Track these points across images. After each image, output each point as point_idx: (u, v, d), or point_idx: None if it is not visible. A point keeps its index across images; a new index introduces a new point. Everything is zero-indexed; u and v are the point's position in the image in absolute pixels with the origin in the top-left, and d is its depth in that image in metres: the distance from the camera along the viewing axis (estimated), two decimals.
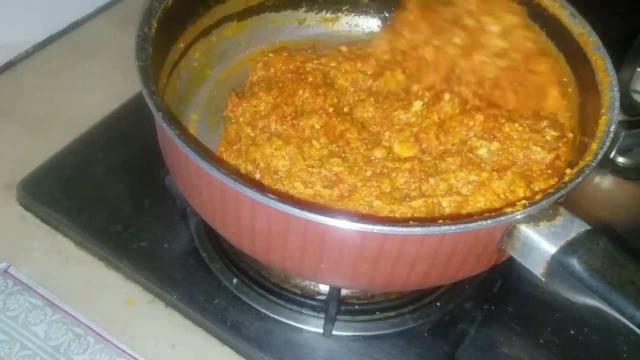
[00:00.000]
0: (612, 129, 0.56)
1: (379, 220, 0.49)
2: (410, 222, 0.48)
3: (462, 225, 0.48)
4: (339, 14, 0.88)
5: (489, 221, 0.48)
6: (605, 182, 0.88)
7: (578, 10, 0.68)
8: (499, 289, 0.71)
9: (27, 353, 0.63)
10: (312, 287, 0.69)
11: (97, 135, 0.82)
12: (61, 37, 0.97)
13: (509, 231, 0.51)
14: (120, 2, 1.05)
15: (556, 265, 0.49)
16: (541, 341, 0.68)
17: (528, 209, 0.49)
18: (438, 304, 0.69)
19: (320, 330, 0.66)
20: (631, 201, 0.86)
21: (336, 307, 0.64)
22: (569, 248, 0.49)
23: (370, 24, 0.88)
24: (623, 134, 0.86)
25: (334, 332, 0.66)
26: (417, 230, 0.47)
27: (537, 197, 0.51)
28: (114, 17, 1.02)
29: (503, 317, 0.69)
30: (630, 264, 0.48)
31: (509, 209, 0.50)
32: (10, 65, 0.92)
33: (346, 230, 0.47)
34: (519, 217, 0.50)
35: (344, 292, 0.68)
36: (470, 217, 0.49)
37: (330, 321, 0.64)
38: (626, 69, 0.91)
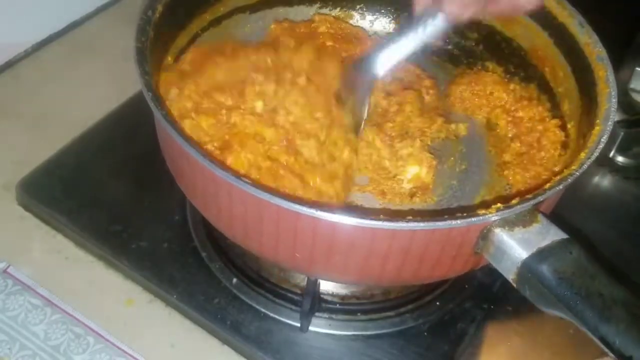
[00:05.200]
0: (603, 140, 0.55)
1: (349, 211, 0.49)
2: (381, 215, 0.48)
3: (432, 224, 0.48)
4: (352, 12, 0.87)
5: (459, 221, 0.48)
6: (604, 181, 0.88)
7: (578, 10, 0.68)
8: (499, 288, 0.71)
9: (26, 353, 0.63)
10: None
11: (97, 135, 0.82)
12: (60, 36, 0.97)
13: (484, 234, 0.50)
14: (120, 2, 1.04)
15: (526, 271, 0.48)
16: (541, 341, 0.68)
17: (501, 212, 0.49)
18: (438, 303, 0.69)
19: (321, 330, 0.66)
20: (630, 200, 0.86)
21: (310, 301, 0.64)
22: (541, 255, 0.48)
23: (383, 24, 0.88)
24: (622, 132, 0.86)
25: (334, 332, 0.66)
26: (386, 224, 0.47)
27: (513, 201, 0.50)
28: (114, 17, 1.02)
29: (503, 317, 0.69)
30: (601, 275, 0.48)
31: (482, 211, 0.49)
32: (9, 65, 0.91)
33: (317, 219, 0.47)
34: (493, 219, 0.49)
35: (343, 291, 0.69)
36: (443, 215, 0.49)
37: (305, 316, 0.64)
38: (625, 68, 0.91)
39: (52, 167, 0.78)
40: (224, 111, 0.64)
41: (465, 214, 0.49)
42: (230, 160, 0.60)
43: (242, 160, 0.60)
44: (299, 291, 0.68)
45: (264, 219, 0.52)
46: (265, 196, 0.48)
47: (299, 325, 0.66)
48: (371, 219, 0.47)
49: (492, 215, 0.49)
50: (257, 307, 0.67)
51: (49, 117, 0.85)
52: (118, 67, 0.90)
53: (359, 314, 0.68)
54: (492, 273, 0.69)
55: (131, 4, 1.03)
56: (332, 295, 0.68)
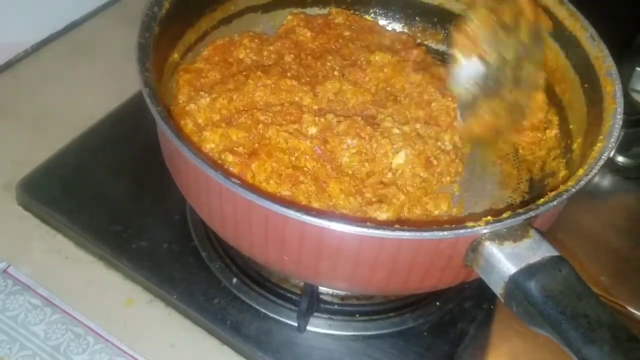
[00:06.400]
0: (603, 157, 0.54)
1: (336, 217, 0.49)
2: (368, 223, 0.47)
3: (418, 234, 0.47)
4: (366, 15, 0.87)
5: (446, 232, 0.47)
6: (604, 181, 0.88)
7: (580, 11, 0.68)
8: None
9: (26, 353, 0.63)
10: None
11: (96, 135, 0.82)
12: (60, 36, 0.97)
13: (474, 247, 0.49)
14: (120, 2, 1.05)
15: (513, 286, 0.47)
16: (541, 341, 0.68)
17: (491, 225, 0.48)
18: (438, 303, 0.69)
19: (321, 330, 0.66)
20: (631, 200, 0.86)
21: (307, 302, 0.64)
22: (529, 271, 0.47)
23: (396, 29, 0.88)
24: (622, 132, 0.86)
25: (334, 332, 0.66)
26: (372, 232, 0.47)
27: (504, 215, 0.50)
28: (114, 17, 1.02)
29: (503, 317, 0.69)
30: (588, 296, 0.46)
31: (470, 223, 0.48)
32: (9, 65, 0.91)
33: (304, 223, 0.47)
34: (482, 232, 0.48)
35: (343, 292, 0.69)
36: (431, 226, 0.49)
37: (302, 316, 0.64)
38: (625, 68, 0.91)
39: (52, 167, 0.78)
40: (260, 126, 0.65)
41: (453, 225, 0.48)
42: (254, 166, 0.61)
43: (265, 167, 0.61)
44: (298, 291, 0.68)
45: (253, 220, 0.52)
46: (253, 198, 0.48)
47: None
48: (357, 226, 0.47)
49: (481, 228, 0.48)
50: (257, 307, 0.67)
51: (49, 117, 0.85)
52: (118, 67, 0.90)
53: (358, 314, 0.68)
54: None
55: (131, 4, 1.03)
56: (332, 295, 0.68)
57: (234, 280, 0.69)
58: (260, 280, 0.69)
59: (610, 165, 0.88)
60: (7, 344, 0.64)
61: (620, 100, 0.60)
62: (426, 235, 0.47)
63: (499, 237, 0.49)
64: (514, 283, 0.47)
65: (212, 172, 0.49)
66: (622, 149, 0.87)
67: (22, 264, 0.70)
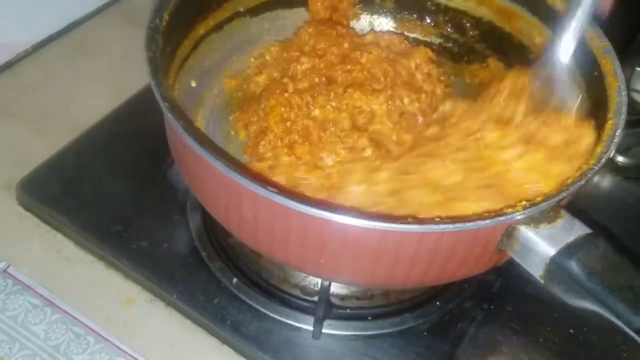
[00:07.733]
0: (617, 133, 0.56)
1: (376, 216, 0.49)
2: (409, 219, 0.48)
3: (460, 224, 0.48)
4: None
5: (487, 221, 0.48)
6: (604, 181, 0.88)
7: None
8: (498, 288, 0.71)
9: (26, 353, 0.63)
10: (312, 287, 0.69)
11: (97, 134, 0.82)
12: (61, 36, 0.97)
13: (509, 232, 0.50)
14: (120, 2, 1.05)
15: (555, 267, 0.49)
16: (541, 340, 0.68)
17: (528, 210, 0.49)
18: (438, 303, 0.69)
19: (322, 330, 0.66)
20: (631, 200, 0.86)
21: (324, 309, 0.64)
22: (568, 251, 0.48)
23: (381, 23, 0.87)
24: (622, 133, 0.86)
25: (334, 332, 0.66)
26: (415, 227, 0.47)
27: (538, 198, 0.50)
28: (114, 17, 1.02)
29: (503, 317, 0.69)
30: (629, 268, 0.48)
31: (509, 210, 0.49)
32: (9, 65, 0.91)
33: (346, 225, 0.47)
34: (518, 217, 0.49)
35: (343, 291, 0.69)
36: (468, 216, 0.49)
37: (318, 323, 0.64)
38: (626, 68, 0.91)
39: (53, 167, 0.78)
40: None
41: (492, 214, 0.49)
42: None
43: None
44: (299, 291, 0.68)
45: (291, 228, 0.51)
46: (292, 204, 0.47)
47: (299, 325, 0.66)
48: (400, 223, 0.47)
49: (518, 214, 0.49)
50: (257, 307, 0.67)
51: (49, 117, 0.85)
52: (118, 67, 0.90)
53: (358, 314, 0.67)
54: (492, 273, 0.69)
55: (131, 4, 1.04)
56: (332, 295, 0.68)
57: (234, 280, 0.69)
58: (260, 280, 0.69)
59: (610, 165, 0.88)
60: (7, 344, 0.64)
61: (621, 77, 0.61)
62: (468, 225, 0.48)
63: (533, 221, 0.49)
64: (556, 264, 0.48)
65: (249, 183, 0.48)
66: (622, 149, 0.87)
67: (22, 263, 0.70)
